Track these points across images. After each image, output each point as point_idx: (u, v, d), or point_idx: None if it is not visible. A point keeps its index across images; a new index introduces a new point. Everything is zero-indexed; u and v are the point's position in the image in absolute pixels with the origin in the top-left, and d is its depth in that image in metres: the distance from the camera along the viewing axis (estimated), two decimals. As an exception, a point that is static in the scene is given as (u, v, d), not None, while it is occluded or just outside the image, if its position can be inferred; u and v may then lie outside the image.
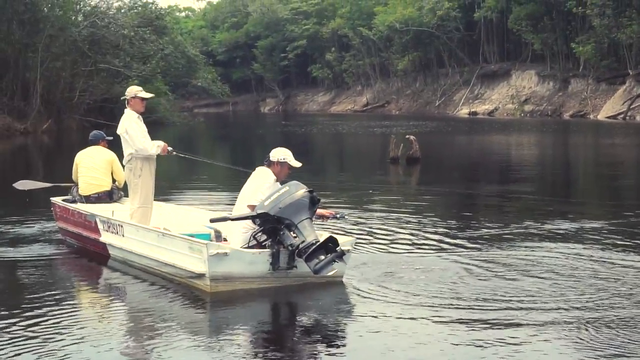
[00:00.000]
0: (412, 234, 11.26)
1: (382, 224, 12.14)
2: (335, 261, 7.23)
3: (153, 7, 55.35)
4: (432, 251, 10.02)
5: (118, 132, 8.98)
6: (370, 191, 16.54)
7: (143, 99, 9.06)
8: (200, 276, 7.50)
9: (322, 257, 7.14)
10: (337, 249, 7.27)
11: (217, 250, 7.30)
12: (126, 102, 9.11)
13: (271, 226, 7.52)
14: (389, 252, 10.00)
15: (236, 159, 33.40)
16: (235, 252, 7.49)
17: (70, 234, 10.24)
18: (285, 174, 8.19)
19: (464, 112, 63.68)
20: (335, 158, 31.89)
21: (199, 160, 14.07)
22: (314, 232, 7.42)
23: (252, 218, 7.64)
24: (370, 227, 11.77)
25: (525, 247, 10.37)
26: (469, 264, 9.03)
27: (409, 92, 74.11)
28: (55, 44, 44.46)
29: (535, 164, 26.15)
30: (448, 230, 11.75)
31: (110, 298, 7.97)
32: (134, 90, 9.13)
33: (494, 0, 63.95)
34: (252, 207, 7.72)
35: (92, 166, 10.43)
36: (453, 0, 65.49)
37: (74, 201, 10.44)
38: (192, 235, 8.01)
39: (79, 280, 8.85)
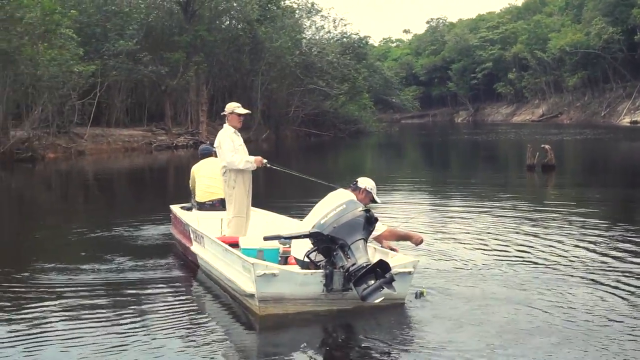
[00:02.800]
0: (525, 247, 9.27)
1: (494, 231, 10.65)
2: (382, 288, 5.93)
3: (355, 37, 57.52)
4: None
5: (214, 145, 8.52)
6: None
7: (239, 115, 8.46)
8: (251, 296, 6.34)
9: (372, 282, 5.94)
10: (387, 274, 5.98)
11: (265, 271, 6.14)
12: (226, 117, 8.57)
13: (325, 246, 6.34)
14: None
15: (427, 159, 35.02)
16: (284, 273, 6.25)
17: (177, 241, 9.44)
18: (365, 203, 7.07)
19: (625, 121, 61.01)
20: (485, 161, 31.07)
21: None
22: (367, 255, 6.22)
23: (306, 237, 6.57)
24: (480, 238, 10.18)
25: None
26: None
27: (579, 105, 72.29)
28: (274, 70, 46.77)
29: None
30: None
31: (166, 309, 6.75)
32: (232, 107, 8.51)
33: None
34: None
35: (209, 175, 9.82)
36: (616, 26, 63.49)
37: (190, 208, 9.97)
38: (260, 250, 6.89)
39: (153, 286, 7.65)
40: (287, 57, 46.60)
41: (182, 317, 6.50)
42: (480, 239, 10.22)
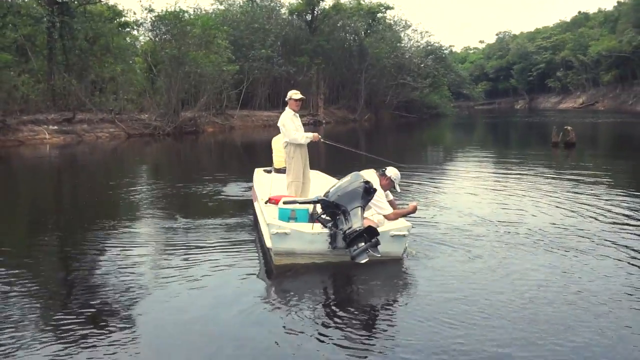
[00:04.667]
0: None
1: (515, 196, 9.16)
2: (369, 250, 5.14)
3: (437, 45, 55.00)
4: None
5: (278, 124, 7.65)
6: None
7: (296, 100, 7.60)
8: (269, 249, 5.70)
9: (361, 244, 5.17)
10: (373, 239, 5.17)
11: (277, 230, 5.50)
12: (287, 102, 7.71)
13: (331, 210, 5.57)
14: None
15: (479, 134, 33.00)
16: (295, 232, 5.54)
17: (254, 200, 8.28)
18: (386, 189, 6.19)
19: (650, 108, 55.45)
20: (523, 138, 28.99)
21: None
22: (361, 221, 5.35)
23: (315, 203, 5.83)
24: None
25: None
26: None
27: (611, 96, 65.47)
28: (374, 69, 45.32)
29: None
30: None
31: (215, 251, 6.14)
32: (291, 94, 7.68)
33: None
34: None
35: (282, 148, 8.70)
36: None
37: (270, 171, 9.28)
38: (293, 210, 6.04)
39: (205, 241, 6.67)
40: (384, 60, 45.00)
41: (224, 259, 5.92)
42: (497, 199, 9.20)
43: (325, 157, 16.75)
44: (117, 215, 8.60)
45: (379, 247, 5.22)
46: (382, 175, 6.21)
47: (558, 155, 16.88)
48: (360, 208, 5.43)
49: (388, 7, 48.43)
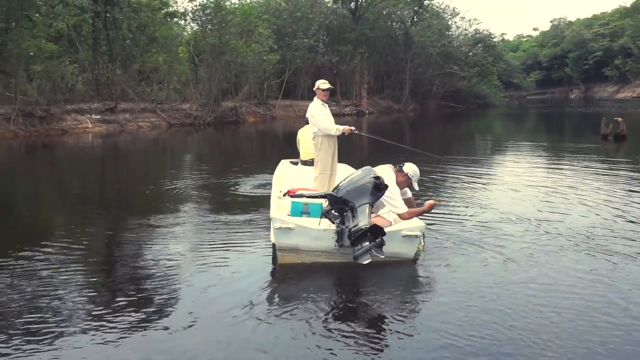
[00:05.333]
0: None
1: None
2: (372, 251, 4.69)
3: (486, 33, 53.23)
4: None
5: (307, 115, 7.35)
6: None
7: (323, 90, 7.14)
8: (273, 245, 5.30)
9: (366, 244, 4.72)
10: (378, 239, 4.72)
11: (281, 225, 5.07)
12: (315, 92, 7.25)
13: (339, 206, 5.11)
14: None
15: (528, 124, 31.74)
16: (300, 228, 5.10)
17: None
18: (403, 187, 5.73)
19: None
20: (573, 129, 27.51)
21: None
22: (368, 218, 4.88)
23: (323, 197, 5.43)
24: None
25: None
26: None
27: (672, 84, 62.96)
28: (419, 58, 44.34)
29: None
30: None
31: (228, 243, 5.91)
32: (318, 84, 7.23)
33: None
34: None
35: (309, 140, 8.42)
36: None
37: (297, 163, 9.05)
38: (306, 203, 5.71)
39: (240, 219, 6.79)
40: (430, 48, 43.93)
41: (234, 256, 5.62)
42: (538, 195, 8.53)
43: (363, 149, 16.31)
44: (155, 207, 8.39)
45: (383, 248, 4.76)
46: (399, 171, 5.73)
47: (607, 149, 15.84)
48: (368, 205, 4.98)
49: (434, -6, 47.35)
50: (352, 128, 7.32)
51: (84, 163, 15.07)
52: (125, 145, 20.06)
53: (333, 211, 5.23)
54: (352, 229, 4.83)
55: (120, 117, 24.41)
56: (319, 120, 7.10)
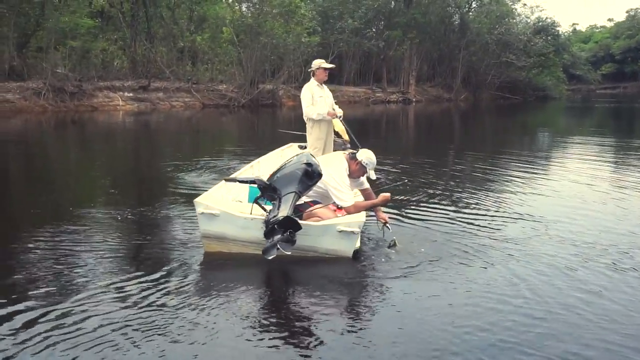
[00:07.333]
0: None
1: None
2: (278, 247, 4.06)
3: (549, 21, 50.17)
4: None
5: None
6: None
7: (325, 69, 6.87)
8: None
9: (277, 237, 4.10)
10: (287, 232, 4.10)
11: (204, 210, 4.54)
12: (312, 73, 6.94)
13: (269, 194, 4.50)
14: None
15: (585, 118, 29.67)
16: (225, 215, 4.54)
17: None
18: (357, 176, 5.06)
19: None
20: (632, 128, 25.47)
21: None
22: (289, 209, 4.24)
23: (252, 183, 4.65)
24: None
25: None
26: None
27: None
28: (474, 45, 42.33)
29: None
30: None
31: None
32: (318, 63, 6.91)
33: None
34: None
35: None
36: None
37: (304, 147, 8.04)
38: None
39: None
40: (486, 36, 41.74)
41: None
42: (574, 202, 7.00)
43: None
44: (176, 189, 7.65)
45: (292, 243, 4.12)
46: (352, 159, 5.01)
47: None
48: (294, 194, 4.37)
49: (496, -21, 44.92)
50: (339, 114, 7.00)
51: (110, 141, 14.56)
52: (155, 124, 19.74)
53: (264, 198, 4.62)
54: (271, 219, 4.22)
55: (153, 96, 24.27)
56: (303, 104, 6.90)
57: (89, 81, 22.72)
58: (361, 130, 18.40)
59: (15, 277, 4.10)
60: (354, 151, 5.13)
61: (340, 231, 4.45)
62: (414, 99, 38.57)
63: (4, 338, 3.15)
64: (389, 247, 4.76)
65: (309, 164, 4.46)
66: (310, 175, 4.45)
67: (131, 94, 23.61)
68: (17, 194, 7.73)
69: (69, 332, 3.21)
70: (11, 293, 3.77)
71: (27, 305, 3.58)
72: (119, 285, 3.94)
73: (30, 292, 3.81)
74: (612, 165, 10.64)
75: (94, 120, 19.36)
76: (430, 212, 6.26)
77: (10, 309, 3.53)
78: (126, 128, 18.39)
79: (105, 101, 22.49)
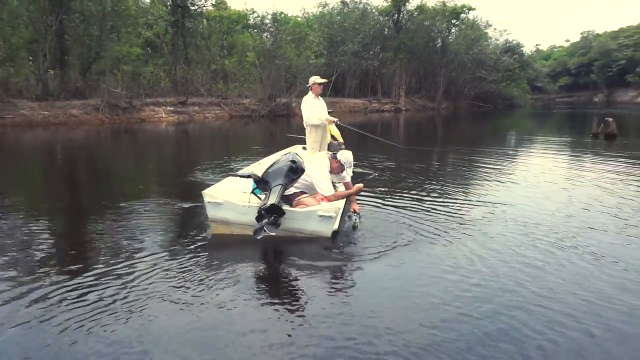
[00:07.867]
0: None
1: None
2: (264, 229, 4.12)
3: (515, 42, 49.32)
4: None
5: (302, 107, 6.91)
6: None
7: (320, 84, 6.83)
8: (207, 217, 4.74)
9: (265, 220, 4.17)
10: (272, 217, 4.17)
11: (210, 200, 4.58)
12: (309, 88, 6.87)
13: (263, 186, 4.59)
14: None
15: (540, 121, 29.11)
16: (227, 203, 4.60)
17: None
18: (338, 172, 5.13)
19: None
20: (573, 128, 23.95)
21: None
22: (276, 199, 4.29)
23: (248, 177, 4.76)
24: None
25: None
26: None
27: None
28: (453, 63, 41.62)
29: None
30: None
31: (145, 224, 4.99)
32: (314, 79, 6.88)
33: None
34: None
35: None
36: None
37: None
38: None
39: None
40: (463, 55, 41.22)
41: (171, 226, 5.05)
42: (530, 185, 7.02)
43: (350, 140, 14.98)
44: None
45: (277, 226, 4.20)
46: (334, 158, 5.18)
47: (596, 145, 13.58)
48: (281, 186, 4.46)
49: (470, 8, 44.08)
50: (335, 120, 7.04)
51: (158, 145, 14.59)
52: (192, 132, 19.68)
53: (259, 189, 4.73)
54: (261, 207, 4.28)
55: (189, 109, 24.22)
56: (304, 113, 6.86)
57: (138, 98, 22.73)
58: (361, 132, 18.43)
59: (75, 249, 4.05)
60: (336, 151, 5.25)
61: (320, 215, 4.51)
62: (404, 108, 38.18)
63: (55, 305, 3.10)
64: (353, 228, 4.80)
65: (293, 162, 4.57)
66: (295, 170, 4.54)
67: (172, 108, 23.58)
68: (81, 187, 7.73)
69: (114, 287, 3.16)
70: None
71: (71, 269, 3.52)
72: (145, 255, 4.05)
73: (81, 262, 3.75)
74: (566, 160, 10.43)
75: (142, 130, 19.37)
76: (405, 199, 6.14)
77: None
78: (168, 135, 18.40)
79: (151, 114, 22.48)
